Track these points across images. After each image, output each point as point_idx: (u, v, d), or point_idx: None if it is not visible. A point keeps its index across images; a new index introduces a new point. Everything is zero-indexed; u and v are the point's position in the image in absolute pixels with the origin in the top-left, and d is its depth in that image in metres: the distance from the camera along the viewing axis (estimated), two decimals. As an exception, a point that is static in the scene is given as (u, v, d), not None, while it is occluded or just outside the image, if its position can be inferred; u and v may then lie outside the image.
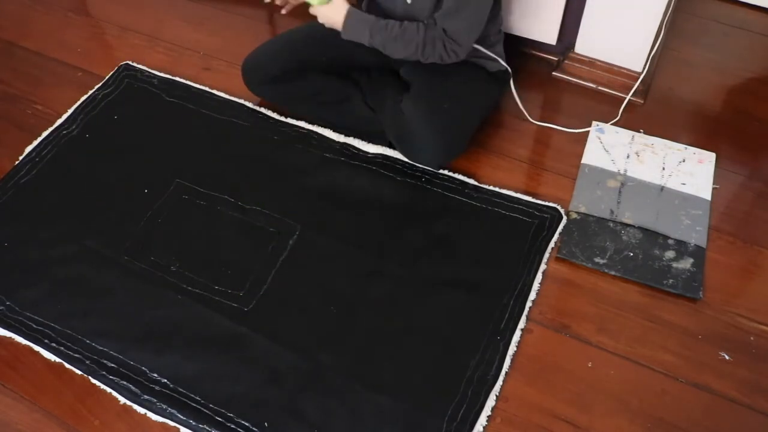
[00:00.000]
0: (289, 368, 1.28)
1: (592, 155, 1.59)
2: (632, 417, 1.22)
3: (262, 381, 1.26)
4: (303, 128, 1.66)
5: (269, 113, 1.70)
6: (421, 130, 1.47)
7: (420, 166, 1.56)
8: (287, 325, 1.34)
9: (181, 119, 1.70)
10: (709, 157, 1.58)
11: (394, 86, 1.57)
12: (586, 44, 1.72)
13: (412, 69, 1.55)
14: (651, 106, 1.71)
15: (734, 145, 1.63)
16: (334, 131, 1.65)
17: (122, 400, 1.25)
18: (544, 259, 1.41)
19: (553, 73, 1.78)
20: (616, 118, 1.66)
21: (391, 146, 1.60)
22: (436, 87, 1.50)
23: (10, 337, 1.34)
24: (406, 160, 1.57)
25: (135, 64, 1.85)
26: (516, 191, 1.53)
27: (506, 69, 1.61)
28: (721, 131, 1.66)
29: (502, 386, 1.25)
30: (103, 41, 1.96)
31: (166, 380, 1.27)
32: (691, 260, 1.40)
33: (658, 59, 1.76)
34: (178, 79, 1.80)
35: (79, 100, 1.76)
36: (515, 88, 1.63)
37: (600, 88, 1.73)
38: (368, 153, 1.61)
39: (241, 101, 1.73)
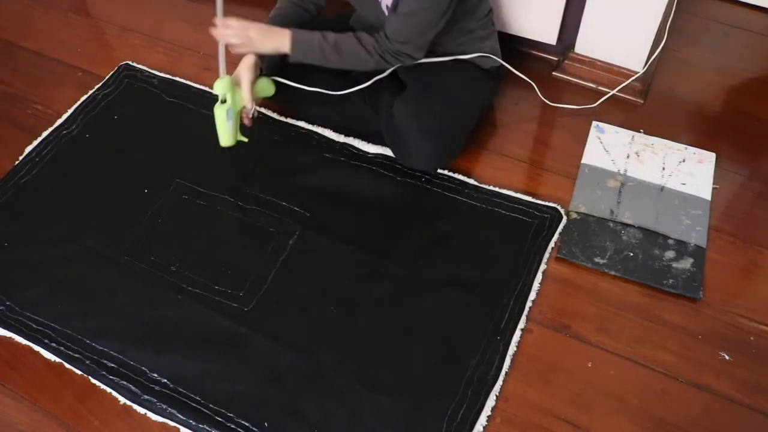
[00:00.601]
0: (289, 368, 1.28)
1: (592, 155, 1.59)
2: (632, 417, 1.22)
3: (262, 381, 1.26)
4: (303, 128, 1.66)
5: (269, 113, 1.70)
6: (413, 135, 1.46)
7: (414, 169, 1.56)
8: (287, 325, 1.34)
9: (181, 119, 1.70)
10: (709, 157, 1.58)
11: (391, 88, 1.56)
12: (586, 44, 1.72)
13: (408, 69, 1.55)
14: (651, 106, 1.71)
15: (734, 145, 1.63)
16: (334, 131, 1.65)
17: (122, 400, 1.26)
18: (544, 259, 1.41)
19: (553, 73, 1.78)
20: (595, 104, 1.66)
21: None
22: (428, 89, 1.50)
23: (10, 337, 1.34)
24: (406, 160, 1.57)
25: (135, 64, 1.85)
26: (516, 191, 1.53)
27: (499, 65, 1.60)
28: (721, 131, 1.66)
29: (502, 386, 1.25)
30: (103, 41, 1.96)
31: (166, 380, 1.27)
32: (691, 260, 1.40)
33: (658, 59, 1.76)
34: (178, 79, 1.80)
35: (79, 100, 1.76)
36: (500, 82, 1.64)
37: (600, 88, 1.73)
38: (368, 153, 1.61)
39: (241, 101, 1.72)
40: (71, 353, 1.31)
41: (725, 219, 1.48)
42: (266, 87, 1.53)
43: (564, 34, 1.75)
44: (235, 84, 1.46)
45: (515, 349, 1.30)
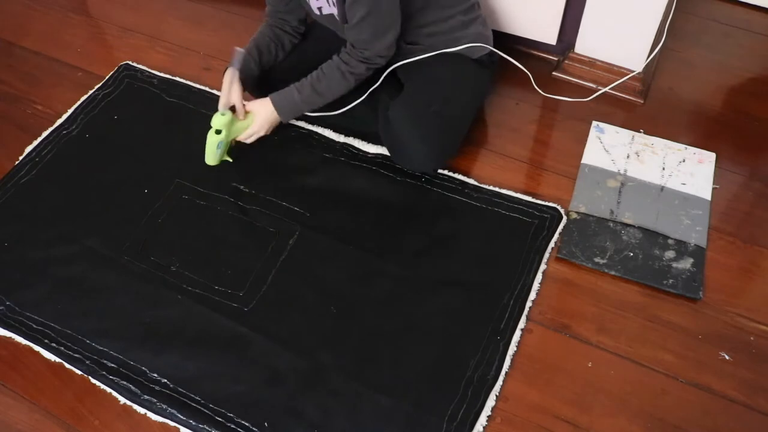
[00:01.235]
0: (288, 368, 1.28)
1: (592, 155, 1.59)
2: (632, 417, 1.22)
3: (262, 381, 1.26)
4: (303, 128, 1.66)
5: (269, 113, 1.70)
6: (409, 138, 1.46)
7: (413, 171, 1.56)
8: (287, 325, 1.34)
9: (181, 119, 1.70)
10: (709, 157, 1.58)
11: (389, 90, 1.56)
12: (586, 44, 1.72)
13: (404, 68, 1.55)
14: (651, 106, 1.71)
15: (734, 145, 1.63)
16: (334, 131, 1.65)
17: (122, 400, 1.26)
18: (544, 259, 1.41)
19: (553, 73, 1.78)
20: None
21: (390, 146, 1.60)
22: (422, 89, 1.50)
23: (10, 337, 1.34)
24: (406, 160, 1.57)
25: (135, 64, 1.85)
26: (516, 191, 1.53)
27: (490, 51, 1.58)
28: (721, 131, 1.66)
29: (502, 386, 1.25)
30: (103, 41, 1.96)
31: (166, 380, 1.27)
32: (691, 260, 1.40)
33: (658, 59, 1.76)
34: (178, 79, 1.80)
35: (79, 100, 1.76)
36: (493, 69, 1.63)
37: (600, 87, 1.73)
38: (368, 153, 1.61)
39: (241, 101, 1.72)
40: (71, 353, 1.31)
41: (725, 219, 1.48)
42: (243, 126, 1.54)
43: (564, 34, 1.75)
44: (234, 113, 1.49)
45: (515, 349, 1.30)
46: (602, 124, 1.65)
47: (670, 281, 1.37)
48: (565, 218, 1.48)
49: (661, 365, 1.28)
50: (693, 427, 1.20)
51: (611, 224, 1.46)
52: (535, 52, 1.83)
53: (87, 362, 1.30)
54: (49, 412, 1.26)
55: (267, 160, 1.61)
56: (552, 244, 1.44)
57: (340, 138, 1.64)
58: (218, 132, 1.46)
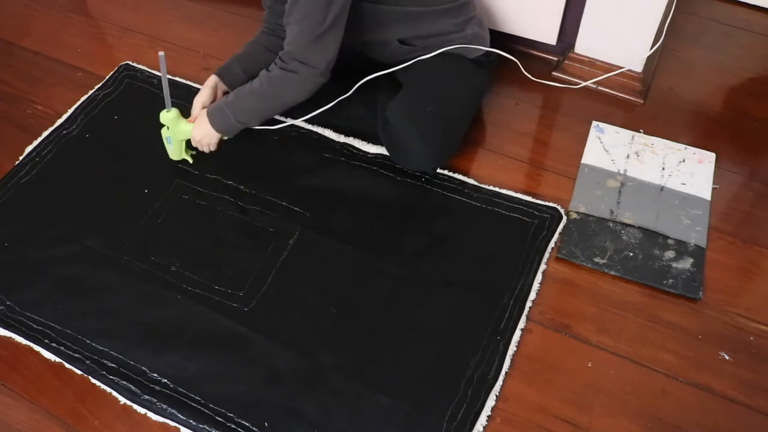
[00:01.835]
0: (289, 368, 1.28)
1: (592, 155, 1.59)
2: (632, 417, 1.22)
3: (262, 381, 1.26)
4: (303, 128, 1.66)
5: (269, 113, 1.70)
6: (408, 138, 1.46)
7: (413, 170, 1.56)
8: (287, 325, 1.34)
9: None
10: (709, 157, 1.58)
11: (387, 90, 1.56)
12: (586, 44, 1.72)
13: (401, 70, 1.55)
14: (651, 106, 1.71)
15: (734, 145, 1.63)
16: (334, 131, 1.65)
17: (122, 400, 1.26)
18: (544, 259, 1.41)
19: (553, 73, 1.78)
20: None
21: (390, 146, 1.60)
22: (420, 90, 1.50)
23: (10, 337, 1.34)
24: (406, 160, 1.57)
25: (135, 64, 1.85)
26: (516, 191, 1.53)
27: (487, 52, 1.58)
28: (721, 131, 1.66)
29: (502, 386, 1.25)
30: (103, 41, 1.96)
31: (166, 380, 1.27)
32: (691, 260, 1.40)
33: (658, 59, 1.76)
34: (178, 79, 1.80)
35: (79, 100, 1.76)
36: (492, 67, 1.62)
37: (600, 88, 1.73)
38: (368, 153, 1.61)
39: (241, 101, 1.72)
40: (71, 353, 1.31)
41: (725, 219, 1.48)
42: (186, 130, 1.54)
43: (564, 34, 1.75)
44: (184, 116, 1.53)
45: (515, 349, 1.30)
46: (602, 124, 1.65)
47: (670, 281, 1.37)
48: (565, 218, 1.48)
49: (661, 365, 1.28)
50: (693, 427, 1.20)
51: (611, 224, 1.46)
52: (535, 52, 1.83)
53: (87, 362, 1.30)
54: (49, 412, 1.26)
55: (267, 160, 1.61)
56: (552, 244, 1.44)
57: (340, 138, 1.64)
58: (163, 126, 1.51)
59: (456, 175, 1.56)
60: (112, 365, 1.29)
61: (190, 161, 1.58)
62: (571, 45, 1.75)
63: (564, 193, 1.53)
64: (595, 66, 1.74)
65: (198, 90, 1.75)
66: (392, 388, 1.24)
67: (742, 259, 1.42)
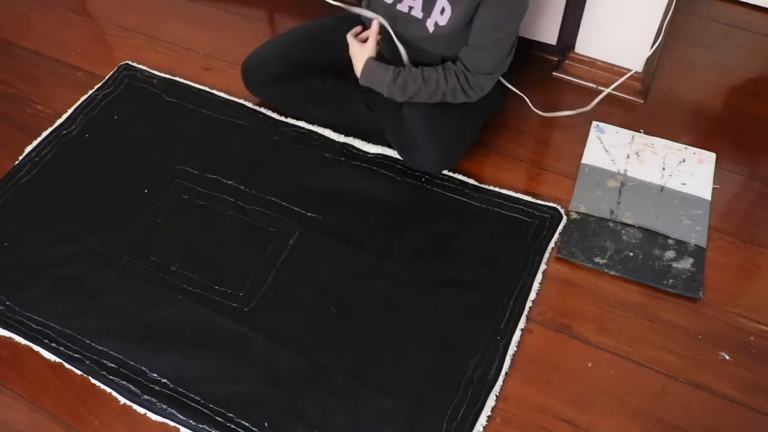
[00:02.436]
0: (289, 368, 1.28)
1: (592, 155, 1.59)
2: (632, 417, 1.22)
3: (262, 381, 1.26)
4: (303, 128, 1.66)
5: (269, 113, 1.70)
6: (423, 136, 1.46)
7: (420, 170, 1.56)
8: (287, 325, 1.34)
9: (181, 119, 1.70)
10: (709, 157, 1.58)
11: None
12: (586, 44, 1.72)
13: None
14: (651, 106, 1.71)
15: (734, 145, 1.63)
16: (334, 131, 1.65)
17: (122, 400, 1.26)
18: (544, 259, 1.41)
19: (553, 73, 1.78)
20: (587, 108, 1.66)
21: (390, 146, 1.60)
22: None
23: (10, 337, 1.34)
24: (406, 160, 1.57)
25: (135, 64, 1.85)
26: (516, 191, 1.53)
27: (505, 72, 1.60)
28: (721, 131, 1.66)
29: (502, 386, 1.25)
30: (103, 41, 1.96)
31: (166, 380, 1.27)
32: (691, 260, 1.40)
33: (658, 59, 1.76)
34: (178, 79, 1.80)
35: (79, 100, 1.76)
36: (510, 83, 1.62)
37: (600, 88, 1.73)
38: (368, 153, 1.61)
39: (241, 101, 1.73)
40: (71, 353, 1.31)
41: (725, 219, 1.48)
42: None
43: (564, 34, 1.75)
44: None
45: (515, 349, 1.30)
46: (602, 124, 1.65)
47: (670, 281, 1.37)
48: (565, 218, 1.48)
49: (661, 365, 1.28)
50: (693, 427, 1.20)
51: (611, 224, 1.46)
52: (535, 52, 1.83)
53: (87, 362, 1.30)
54: (49, 412, 1.26)
55: (267, 160, 1.61)
56: (552, 244, 1.44)
57: (340, 138, 1.64)
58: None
59: (456, 175, 1.56)
60: (112, 365, 1.29)
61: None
62: (571, 45, 1.75)
63: (564, 193, 1.53)
64: (595, 66, 1.73)
65: (198, 89, 1.77)
66: (392, 388, 1.24)
67: (742, 259, 1.42)
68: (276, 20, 1.99)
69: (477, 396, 1.23)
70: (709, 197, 1.51)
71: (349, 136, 1.64)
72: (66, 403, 1.27)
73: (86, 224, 1.50)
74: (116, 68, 1.84)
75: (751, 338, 1.31)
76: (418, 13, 1.42)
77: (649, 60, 1.68)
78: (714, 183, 1.54)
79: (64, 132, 1.69)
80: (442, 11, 1.39)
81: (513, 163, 1.60)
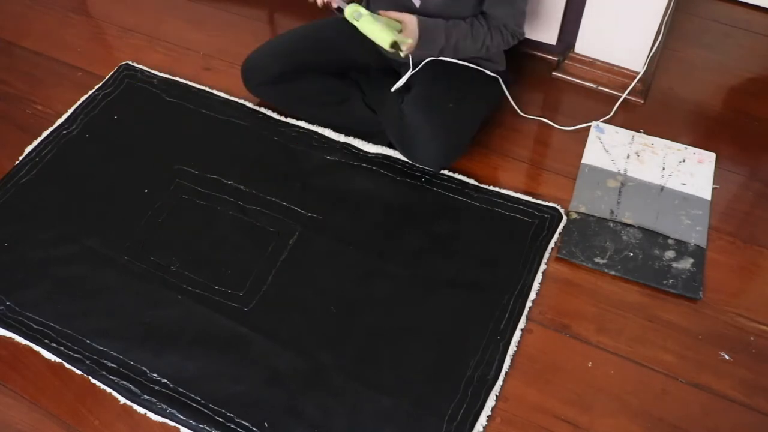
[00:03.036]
0: (289, 368, 1.28)
1: (592, 155, 1.59)
2: (632, 417, 1.22)
3: (262, 381, 1.26)
4: (303, 128, 1.66)
5: (269, 113, 1.70)
6: (423, 132, 1.47)
7: (420, 166, 1.56)
8: (287, 325, 1.34)
9: (181, 119, 1.70)
10: (709, 157, 1.58)
11: (393, 90, 1.56)
12: (586, 44, 1.72)
13: (419, 70, 1.55)
14: (651, 106, 1.71)
15: (734, 145, 1.63)
16: (334, 131, 1.65)
17: (122, 400, 1.26)
18: (544, 259, 1.41)
19: (553, 73, 1.78)
20: (609, 116, 1.66)
21: (391, 146, 1.60)
22: (437, 89, 1.50)
23: (10, 337, 1.34)
24: (406, 160, 1.57)
25: (135, 64, 1.85)
26: (516, 191, 1.53)
27: (503, 70, 1.60)
28: (721, 131, 1.66)
29: (502, 386, 1.25)
30: (103, 41, 1.96)
31: (166, 380, 1.27)
32: (691, 260, 1.40)
33: (658, 59, 1.76)
34: (178, 79, 1.80)
35: (79, 100, 1.76)
36: (507, 87, 1.62)
37: (600, 88, 1.73)
38: (368, 153, 1.61)
39: (241, 101, 1.73)
40: (71, 353, 1.31)
41: (725, 219, 1.48)
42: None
43: (564, 34, 1.75)
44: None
45: (515, 349, 1.30)
46: (602, 124, 1.65)
47: (670, 281, 1.37)
48: (565, 218, 1.48)
49: (661, 365, 1.28)
50: (693, 427, 1.20)
51: (611, 224, 1.46)
52: (535, 52, 1.83)
53: (87, 362, 1.30)
54: (49, 412, 1.26)
55: (267, 159, 1.61)
56: (552, 244, 1.44)
57: (340, 138, 1.64)
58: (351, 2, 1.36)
59: (456, 175, 1.56)
60: (112, 365, 1.29)
61: (402, 54, 1.40)
62: (571, 45, 1.75)
63: (564, 193, 1.53)
64: (595, 66, 1.73)
65: (198, 89, 1.76)
66: (392, 388, 1.24)
67: (742, 259, 1.42)
68: (276, 20, 2.00)
69: (477, 396, 1.23)
70: (709, 197, 1.51)
71: (349, 136, 1.64)
72: (66, 403, 1.27)
73: (86, 224, 1.50)
74: (116, 68, 1.84)
75: (751, 338, 1.31)
76: None
77: (649, 60, 1.68)
78: (714, 183, 1.54)
79: (64, 132, 1.69)
80: None
81: (513, 163, 1.60)
